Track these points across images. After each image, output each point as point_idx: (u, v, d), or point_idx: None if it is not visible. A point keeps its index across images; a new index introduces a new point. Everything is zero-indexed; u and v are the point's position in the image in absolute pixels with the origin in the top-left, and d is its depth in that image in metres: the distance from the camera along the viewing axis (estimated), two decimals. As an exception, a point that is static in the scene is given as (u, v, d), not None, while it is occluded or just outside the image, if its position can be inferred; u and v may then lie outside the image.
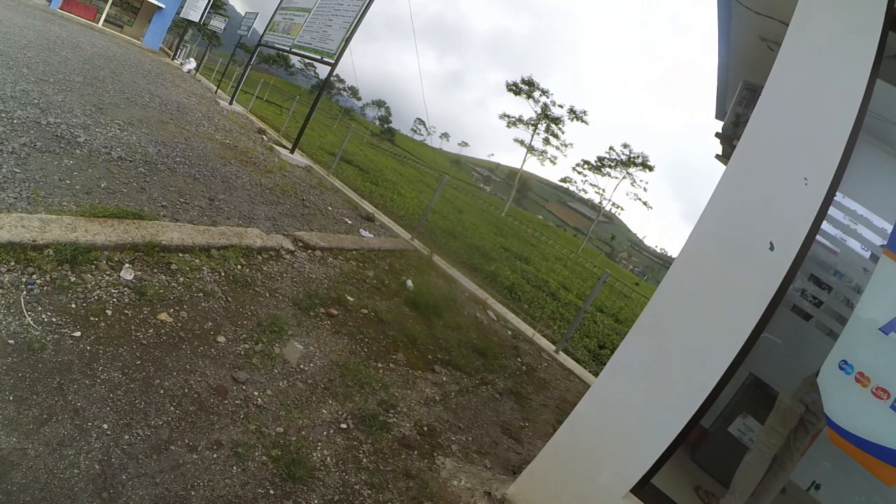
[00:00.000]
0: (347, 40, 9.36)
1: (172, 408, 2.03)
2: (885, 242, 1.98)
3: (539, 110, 52.14)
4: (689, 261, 2.14)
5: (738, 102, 3.83)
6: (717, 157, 5.08)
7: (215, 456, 1.91)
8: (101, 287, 2.50)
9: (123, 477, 1.65)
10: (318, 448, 2.23)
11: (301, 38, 11.00)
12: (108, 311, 2.36)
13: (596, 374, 4.93)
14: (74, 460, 1.61)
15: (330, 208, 6.63)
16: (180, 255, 3.18)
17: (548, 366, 5.16)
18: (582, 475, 2.21)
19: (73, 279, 2.43)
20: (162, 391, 2.08)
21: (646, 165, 52.20)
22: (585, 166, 55.67)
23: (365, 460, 2.30)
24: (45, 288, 2.29)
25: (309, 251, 4.44)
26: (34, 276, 2.31)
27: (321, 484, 2.05)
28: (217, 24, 22.08)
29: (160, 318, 2.51)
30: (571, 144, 55.95)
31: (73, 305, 2.28)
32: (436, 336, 4.10)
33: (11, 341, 1.91)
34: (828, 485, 3.09)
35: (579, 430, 2.27)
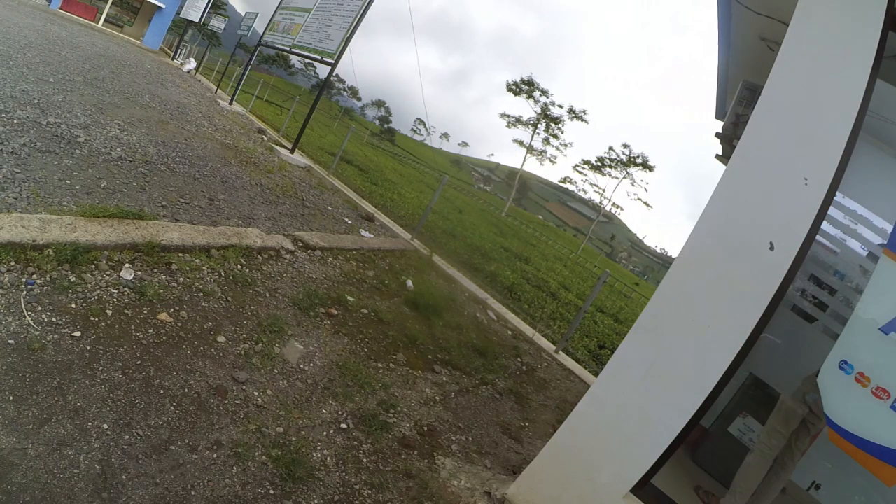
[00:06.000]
0: (347, 40, 9.35)
1: (172, 408, 2.03)
2: (885, 242, 1.97)
3: (539, 110, 52.18)
4: (689, 261, 2.14)
5: (738, 102, 3.83)
6: (717, 157, 5.08)
7: (215, 456, 1.91)
8: (101, 287, 2.50)
9: (123, 477, 1.65)
10: (318, 448, 2.23)
11: (301, 38, 11.00)
12: (108, 311, 2.36)
13: (596, 374, 4.93)
14: (74, 460, 1.61)
15: (330, 208, 6.63)
16: (180, 255, 3.18)
17: (548, 366, 5.16)
18: (582, 475, 2.21)
19: (73, 279, 2.43)
20: (162, 391, 2.08)
21: (646, 165, 52.25)
22: (585, 166, 55.71)
23: (365, 460, 2.30)
24: (45, 288, 2.29)
25: (309, 251, 4.44)
26: (34, 276, 2.31)
27: (321, 484, 2.05)
28: (217, 24, 22.10)
29: (160, 318, 2.51)
30: (571, 144, 55.98)
31: (73, 305, 2.28)
32: (436, 336, 4.09)
33: (11, 341, 1.91)
34: (828, 485, 3.09)
35: (579, 430, 2.27)
